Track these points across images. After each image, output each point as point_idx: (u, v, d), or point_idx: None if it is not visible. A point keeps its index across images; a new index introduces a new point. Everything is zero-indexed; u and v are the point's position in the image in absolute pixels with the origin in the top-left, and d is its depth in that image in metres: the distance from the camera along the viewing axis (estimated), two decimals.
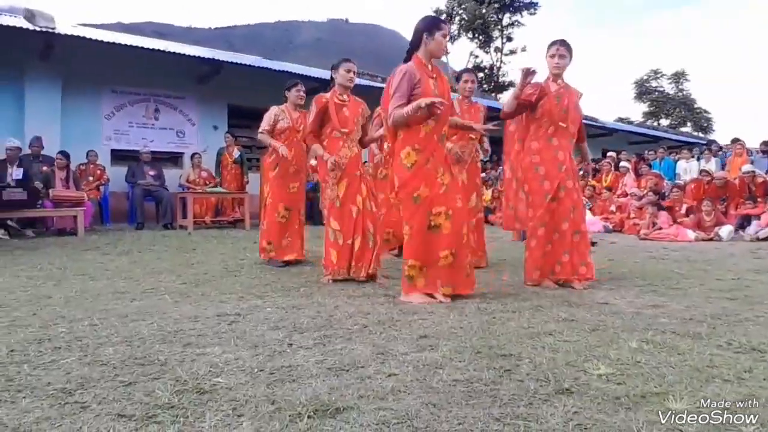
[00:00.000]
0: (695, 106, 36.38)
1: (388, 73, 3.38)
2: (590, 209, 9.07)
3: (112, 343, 2.13)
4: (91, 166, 8.48)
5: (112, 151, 9.25)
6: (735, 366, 1.85)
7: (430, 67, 3.07)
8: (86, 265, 4.33)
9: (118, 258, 4.81)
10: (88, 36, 8.21)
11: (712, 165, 10.11)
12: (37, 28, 7.59)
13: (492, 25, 31.70)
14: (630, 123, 25.95)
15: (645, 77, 37.80)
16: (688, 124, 35.62)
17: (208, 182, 8.96)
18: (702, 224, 7.57)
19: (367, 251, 3.66)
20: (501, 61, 32.55)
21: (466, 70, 4.85)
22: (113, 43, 8.27)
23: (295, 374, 1.77)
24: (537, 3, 31.73)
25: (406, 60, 3.09)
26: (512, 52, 32.52)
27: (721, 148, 11.57)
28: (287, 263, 4.44)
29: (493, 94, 29.80)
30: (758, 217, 7.58)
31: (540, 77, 3.44)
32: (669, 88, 37.49)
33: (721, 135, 47.23)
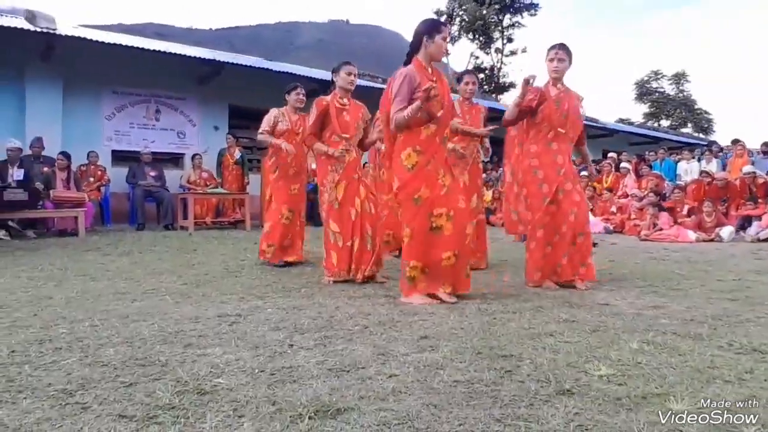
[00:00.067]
0: (696, 107, 36.35)
1: (388, 75, 3.38)
2: (591, 210, 9.06)
3: (113, 343, 2.14)
4: (92, 166, 8.49)
5: (113, 151, 9.26)
6: (736, 367, 1.85)
7: (430, 69, 3.07)
8: (87, 266, 4.33)
9: (119, 259, 4.81)
10: (88, 37, 8.22)
11: (712, 166, 10.10)
12: (38, 29, 7.60)
13: (492, 26, 31.66)
14: (631, 124, 25.92)
15: (645, 78, 37.78)
16: (689, 125, 35.58)
17: (208, 183, 8.97)
18: (703, 225, 7.56)
19: (366, 253, 3.66)
20: (502, 62, 32.53)
21: (467, 72, 4.84)
22: (114, 44, 8.27)
23: (295, 375, 1.77)
24: (537, 4, 31.72)
25: (406, 62, 3.09)
26: (513, 53, 32.50)
27: (721, 149, 11.56)
28: (287, 263, 4.45)
29: (494, 95, 29.78)
30: (759, 218, 7.58)
31: (540, 81, 3.45)
32: (669, 89, 37.46)
33: (721, 136, 47.20)
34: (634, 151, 14.26)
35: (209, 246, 5.98)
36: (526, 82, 3.29)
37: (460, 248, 2.98)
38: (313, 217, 7.89)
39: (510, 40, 32.52)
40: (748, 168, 8.73)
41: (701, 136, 29.35)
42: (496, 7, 30.90)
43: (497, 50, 32.51)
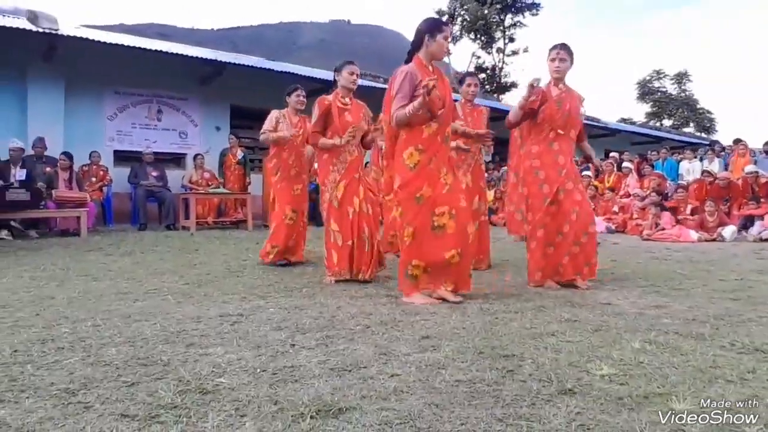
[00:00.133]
0: (698, 106, 36.29)
1: (390, 74, 3.38)
2: (593, 210, 9.05)
3: (115, 343, 2.14)
4: (94, 167, 8.51)
5: (115, 152, 9.28)
6: (738, 367, 1.85)
7: (430, 68, 3.07)
8: (89, 266, 4.34)
9: (121, 259, 4.82)
10: (91, 37, 8.23)
11: (715, 165, 10.08)
12: (40, 30, 7.61)
13: (494, 26, 31.64)
14: (633, 123, 25.90)
15: (647, 78, 37.74)
16: (691, 124, 35.53)
17: (210, 183, 8.97)
18: (705, 225, 7.55)
19: (364, 254, 3.67)
20: (503, 62, 32.49)
21: (469, 74, 4.85)
22: (116, 45, 8.29)
23: (297, 374, 1.77)
24: (539, 3, 31.69)
25: (407, 61, 3.09)
26: (514, 52, 32.47)
27: (723, 148, 11.53)
28: (289, 262, 4.48)
29: (496, 95, 29.76)
30: (761, 217, 7.57)
31: (542, 81, 3.45)
32: (671, 88, 37.42)
33: (723, 135, 47.18)
34: (636, 151, 14.25)
35: (211, 246, 5.99)
36: (532, 86, 3.30)
37: (463, 247, 2.97)
38: (315, 218, 7.90)
39: (512, 39, 32.50)
40: (750, 167, 8.71)
41: (703, 135, 29.29)
42: (498, 6, 30.87)
43: (499, 50, 32.50)
